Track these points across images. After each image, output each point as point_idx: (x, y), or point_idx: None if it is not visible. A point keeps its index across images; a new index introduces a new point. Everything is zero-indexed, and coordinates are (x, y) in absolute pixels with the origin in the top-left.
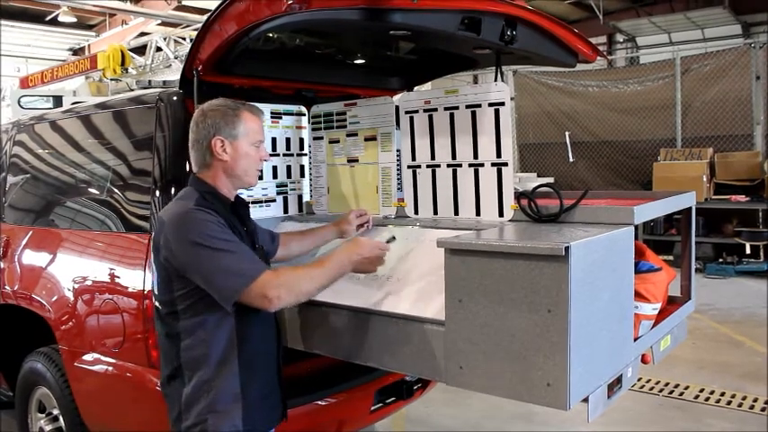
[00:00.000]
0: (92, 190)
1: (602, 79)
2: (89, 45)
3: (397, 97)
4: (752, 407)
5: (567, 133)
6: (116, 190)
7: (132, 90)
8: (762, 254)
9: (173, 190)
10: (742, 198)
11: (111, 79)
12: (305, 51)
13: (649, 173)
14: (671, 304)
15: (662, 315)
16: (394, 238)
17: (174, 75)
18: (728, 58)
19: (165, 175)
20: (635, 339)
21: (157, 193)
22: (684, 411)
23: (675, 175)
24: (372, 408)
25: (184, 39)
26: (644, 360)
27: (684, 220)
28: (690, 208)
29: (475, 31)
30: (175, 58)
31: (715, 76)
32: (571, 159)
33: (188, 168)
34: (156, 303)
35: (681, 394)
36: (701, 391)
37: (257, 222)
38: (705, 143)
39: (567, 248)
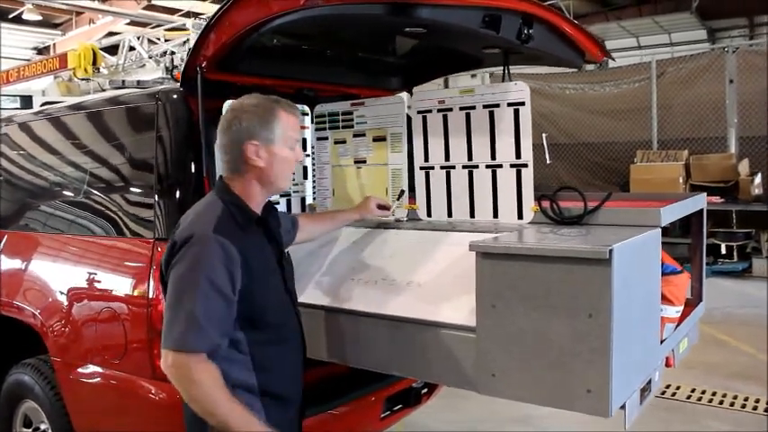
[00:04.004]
0: (96, 194)
1: (579, 82)
2: (54, 44)
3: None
4: (743, 406)
5: (544, 135)
6: (118, 194)
7: (104, 90)
8: (736, 254)
9: (177, 193)
10: (717, 199)
11: (82, 79)
12: (309, 50)
13: (626, 174)
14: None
15: (680, 317)
16: (403, 191)
17: (149, 75)
18: (703, 62)
19: (166, 177)
20: (661, 342)
21: (157, 196)
22: (678, 412)
23: (652, 176)
24: (382, 415)
25: (159, 38)
26: (667, 363)
27: (696, 221)
28: (702, 210)
29: (494, 29)
30: (149, 57)
31: (690, 80)
32: (548, 161)
33: (193, 169)
34: None
35: (673, 395)
36: (693, 391)
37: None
38: (681, 145)
39: (610, 251)
